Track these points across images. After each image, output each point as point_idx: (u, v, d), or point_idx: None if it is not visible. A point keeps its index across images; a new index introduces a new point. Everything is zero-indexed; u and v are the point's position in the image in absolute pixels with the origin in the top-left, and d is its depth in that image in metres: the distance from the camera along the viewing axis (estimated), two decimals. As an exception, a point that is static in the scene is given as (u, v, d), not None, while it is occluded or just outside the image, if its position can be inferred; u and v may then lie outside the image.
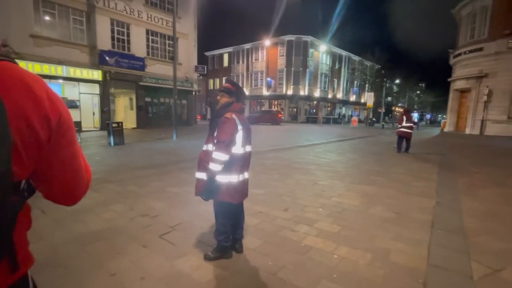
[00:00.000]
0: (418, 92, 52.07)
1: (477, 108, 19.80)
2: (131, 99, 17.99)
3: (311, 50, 34.97)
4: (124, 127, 10.40)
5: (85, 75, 14.59)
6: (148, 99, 18.42)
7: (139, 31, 17.16)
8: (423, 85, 52.40)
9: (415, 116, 37.52)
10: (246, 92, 37.94)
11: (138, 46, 17.16)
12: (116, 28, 16.03)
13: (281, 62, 35.04)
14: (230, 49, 40.53)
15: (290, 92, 34.69)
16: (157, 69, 18.19)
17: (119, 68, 15.98)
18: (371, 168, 6.82)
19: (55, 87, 13.73)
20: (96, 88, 15.52)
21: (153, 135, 13.47)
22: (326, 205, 3.97)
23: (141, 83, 17.23)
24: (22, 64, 12.02)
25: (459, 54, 21.63)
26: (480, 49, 19.60)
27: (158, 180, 5.23)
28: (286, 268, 2.33)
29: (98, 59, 15.01)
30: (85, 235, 2.89)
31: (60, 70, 13.50)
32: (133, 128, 17.33)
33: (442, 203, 4.10)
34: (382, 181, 5.43)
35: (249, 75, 38.55)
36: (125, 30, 16.51)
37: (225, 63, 42.03)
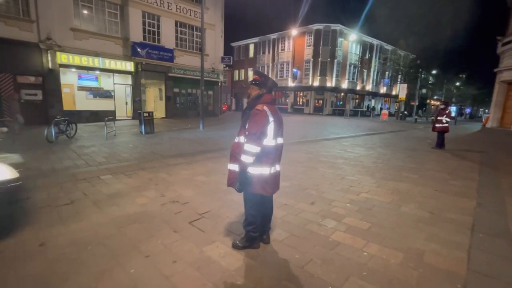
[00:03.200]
0: (457, 84, 47.92)
1: (527, 102, 17.80)
2: (160, 89, 18.64)
3: (340, 40, 33.44)
4: (154, 116, 10.85)
5: (119, 67, 15.32)
6: (176, 90, 18.95)
7: (169, 23, 17.55)
8: (464, 76, 48.00)
9: (453, 110, 34.70)
10: (271, 83, 37.49)
11: (168, 37, 17.58)
12: (147, 20, 16.53)
13: (308, 52, 33.98)
14: (256, 39, 40.07)
15: (316, 83, 33.70)
16: (185, 60, 18.57)
17: (149, 60, 16.55)
18: (403, 164, 6.48)
19: (92, 78, 14.63)
20: (128, 79, 16.26)
21: (180, 125, 13.91)
22: (354, 200, 3.85)
23: (169, 74, 17.75)
24: (64, 56, 12.87)
25: (509, 42, 19.42)
26: (536, 36, 17.42)
27: (186, 168, 5.41)
28: (313, 262, 2.31)
29: (131, 51, 15.64)
30: (121, 218, 3.09)
31: (97, 62, 14.30)
32: (162, 118, 18.01)
33: (484, 204, 3.79)
34: (415, 178, 5.14)
35: (275, 65, 37.98)
36: (155, 22, 16.97)
37: (251, 54, 41.72)
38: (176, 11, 17.81)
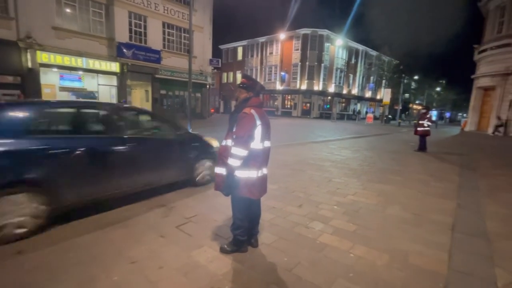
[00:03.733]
0: (438, 89, 49.97)
1: (501, 107, 18.82)
2: (146, 91, 18.31)
3: (326, 44, 34.17)
4: (140, 118, 10.61)
5: (104, 67, 14.94)
6: (163, 92, 18.68)
7: (156, 24, 17.33)
8: (444, 82, 50.18)
9: (434, 114, 36.13)
10: (260, 86, 37.69)
11: (155, 38, 17.34)
12: (133, 21, 16.25)
13: (296, 56, 34.49)
14: (244, 42, 40.25)
15: (304, 87, 34.19)
16: (173, 62, 18.37)
17: (135, 61, 16.25)
18: (388, 166, 6.66)
19: (75, 78, 14.16)
20: (113, 80, 15.88)
21: (167, 127, 13.67)
22: (341, 203, 3.92)
23: (156, 76, 17.48)
24: (45, 55, 12.42)
25: (485, 50, 20.51)
26: (508, 45, 18.49)
27: (173, 172, 5.31)
28: (301, 265, 2.32)
29: (116, 51, 15.31)
30: (105, 222, 2.99)
31: (80, 62, 13.88)
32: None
33: (463, 205, 3.96)
34: (399, 181, 5.29)
35: (263, 69, 38.25)
36: (142, 22, 16.71)
37: (239, 57, 41.83)
38: (164, 12, 17.63)
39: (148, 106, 18.18)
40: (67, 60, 13.39)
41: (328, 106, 36.61)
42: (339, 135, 14.15)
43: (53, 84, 13.41)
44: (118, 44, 15.30)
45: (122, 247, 2.51)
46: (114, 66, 15.40)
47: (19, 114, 2.73)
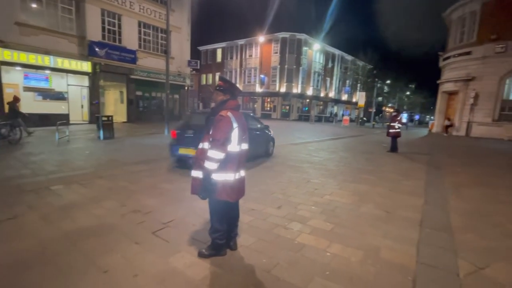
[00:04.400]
0: (408, 93, 53.03)
1: (463, 110, 20.36)
2: (121, 92, 17.60)
3: (304, 48, 35.01)
4: (114, 121, 10.19)
5: (74, 66, 14.14)
6: (139, 93, 18.05)
7: (131, 23, 16.74)
8: (413, 86, 53.37)
9: (404, 116, 38.29)
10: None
11: (130, 38, 16.75)
12: (107, 19, 15.58)
13: (275, 59, 34.96)
14: (223, 44, 40.11)
15: (283, 89, 34.72)
16: (149, 62, 17.84)
17: (109, 60, 15.57)
18: (362, 167, 6.94)
19: (41, 78, 13.27)
20: (85, 80, 15.08)
21: (144, 130, 13.25)
22: (319, 203, 4.02)
23: (132, 76, 16.87)
24: (7, 52, 11.57)
25: (449, 57, 22.12)
26: (468, 53, 20.10)
27: (150, 176, 5.16)
28: (280, 266, 2.35)
29: (88, 50, 14.56)
30: (75, 232, 2.83)
31: (47, 60, 13.03)
32: (123, 122, 16.98)
33: (430, 201, 4.22)
34: (373, 180, 5.54)
35: (243, 71, 38.32)
36: (116, 21, 16.07)
37: (218, 58, 41.60)
38: (139, 11, 17.10)
39: (123, 108, 17.49)
40: (33, 58, 12.52)
41: (306, 108, 37.45)
42: (317, 137, 14.52)
43: (16, 84, 12.45)
44: (89, 42, 14.57)
45: (93, 256, 2.39)
46: (86, 66, 14.63)
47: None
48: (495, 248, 2.84)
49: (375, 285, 2.14)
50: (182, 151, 5.56)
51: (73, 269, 2.19)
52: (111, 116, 9.96)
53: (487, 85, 19.06)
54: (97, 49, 14.87)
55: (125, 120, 17.22)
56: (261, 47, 35.78)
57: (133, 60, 16.79)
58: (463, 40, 20.94)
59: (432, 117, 45.91)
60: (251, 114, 8.29)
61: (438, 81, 23.77)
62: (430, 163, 7.77)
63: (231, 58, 39.66)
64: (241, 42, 37.88)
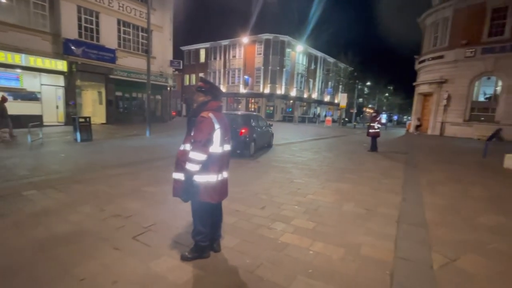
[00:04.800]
0: (387, 94, 55.11)
1: (437, 111, 21.46)
2: (100, 92, 16.96)
3: (288, 50, 35.43)
4: (92, 122, 9.81)
5: (48, 65, 13.45)
6: (119, 93, 17.48)
7: (110, 21, 16.19)
8: (392, 88, 55.53)
9: (384, 116, 39.74)
10: (223, 89, 37.54)
11: (109, 36, 16.18)
12: (83, 16, 14.96)
13: (259, 60, 35.10)
14: (207, 44, 39.73)
15: (267, 90, 34.92)
16: (129, 62, 17.33)
17: (87, 59, 14.96)
18: (344, 166, 7.12)
19: (12, 77, 12.51)
20: (60, 80, 14.39)
21: (124, 132, 12.85)
22: (302, 202, 4.08)
23: (111, 76, 16.31)
24: (-28, 50, 10.73)
25: (424, 61, 23.23)
26: (441, 57, 21.22)
27: (131, 179, 5.01)
28: (263, 266, 2.36)
29: (63, 49, 13.91)
30: (49, 240, 2.69)
31: (18, 59, 12.30)
32: (102, 123, 16.38)
33: (407, 199, 4.41)
34: (354, 179, 5.70)
35: (226, 72, 38.16)
36: (94, 18, 15.47)
37: (202, 59, 41.16)
38: (119, 9, 16.58)
39: (101, 109, 16.86)
40: (1, 56, 11.78)
41: (290, 109, 37.89)
42: (301, 138, 14.73)
43: (-17, 83, 11.67)
44: (65, 40, 13.93)
45: (69, 264, 2.28)
46: (61, 65, 13.96)
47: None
48: (465, 240, 3.01)
49: (356, 280, 2.21)
50: None
51: (46, 279, 2.08)
52: (89, 117, 9.58)
53: (459, 88, 20.21)
54: (73, 47, 14.25)
55: (104, 121, 16.62)
56: (245, 48, 35.82)
57: (112, 60, 16.25)
58: (437, 45, 22.08)
59: (409, 118, 48.05)
60: (259, 115, 10.27)
61: (414, 83, 24.89)
62: (408, 162, 8.12)
63: (215, 58, 39.38)
64: (225, 42, 37.71)
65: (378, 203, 4.18)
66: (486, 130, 17.20)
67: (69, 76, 14.46)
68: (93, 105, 17.29)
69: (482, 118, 19.69)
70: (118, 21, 16.68)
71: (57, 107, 14.75)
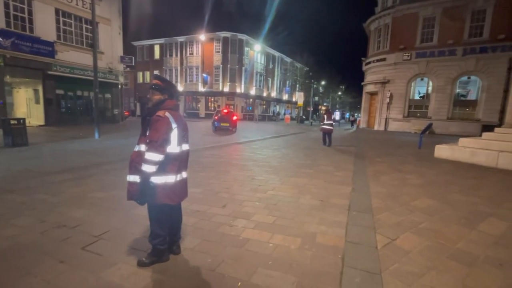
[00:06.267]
0: (339, 93, 59.18)
1: (382, 108, 23.82)
2: (36, 90, 15.01)
3: (246, 49, 35.66)
4: (27, 124, 8.65)
5: (-34, 58, 11.44)
6: (60, 92, 15.69)
7: (46, 10, 14.39)
8: (343, 87, 59.82)
9: (337, 114, 42.67)
10: (180, 87, 36.24)
11: (45, 27, 14.38)
12: (12, 3, 13.05)
13: (217, 58, 34.69)
14: (161, 40, 37.87)
15: (226, 89, 34.72)
16: (72, 56, 15.66)
17: (18, 52, 13.09)
18: (302, 161, 7.48)
19: None
20: (-17, 76, 12.36)
21: (68, 134, 11.60)
22: (262, 198, 4.19)
23: (50, 72, 14.55)
24: None
25: (369, 62, 25.52)
26: (384, 59, 23.58)
27: (77, 185, 4.57)
28: (225, 263, 2.38)
29: (-14, 39, 11.98)
30: (-25, 259, 2.32)
31: None
32: (40, 125, 14.54)
33: (356, 189, 4.84)
34: (310, 173, 6.03)
35: (184, 69, 36.90)
36: (25, 6, 13.59)
37: (156, 55, 39.12)
38: (57, -3, 14.83)
39: (39, 109, 14.96)
40: None
41: (250, 108, 38.27)
42: (261, 136, 15.02)
43: None
44: (-12, 30, 12.00)
45: (5, 285, 2.01)
46: (-16, 58, 12.01)
47: None
48: (402, 222, 3.43)
49: (311, 267, 2.36)
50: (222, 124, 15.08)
51: (-27, 305, 1.81)
52: (23, 119, 8.42)
53: (399, 87, 22.69)
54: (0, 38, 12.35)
55: (42, 123, 14.78)
56: (203, 45, 35.06)
57: (51, 54, 14.51)
58: (380, 48, 24.43)
59: (359, 115, 52.34)
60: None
61: (362, 83, 27.20)
62: (357, 155, 8.87)
63: (171, 55, 37.77)
64: (181, 39, 36.39)
65: (331, 194, 4.51)
66: (421, 124, 19.67)
67: (-5, 71, 12.50)
68: (28, 104, 15.26)
69: (418, 114, 22.44)
70: (56, 11, 14.92)
71: (-20, 107, 12.65)
